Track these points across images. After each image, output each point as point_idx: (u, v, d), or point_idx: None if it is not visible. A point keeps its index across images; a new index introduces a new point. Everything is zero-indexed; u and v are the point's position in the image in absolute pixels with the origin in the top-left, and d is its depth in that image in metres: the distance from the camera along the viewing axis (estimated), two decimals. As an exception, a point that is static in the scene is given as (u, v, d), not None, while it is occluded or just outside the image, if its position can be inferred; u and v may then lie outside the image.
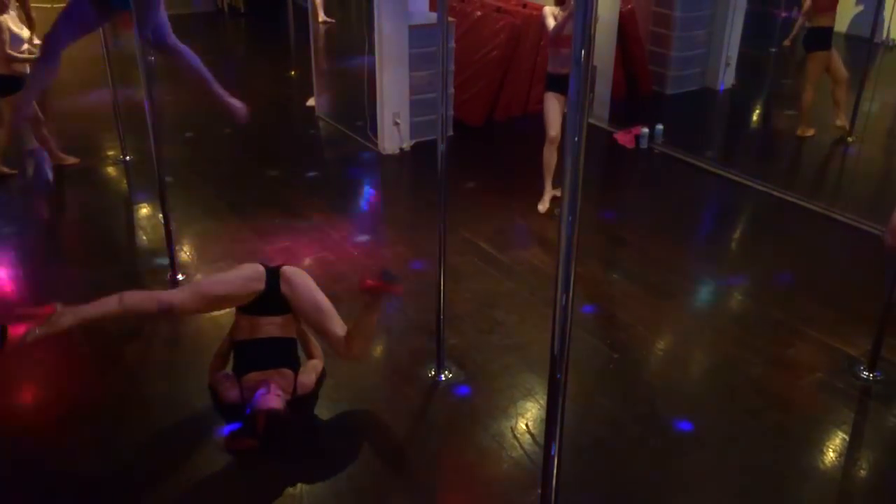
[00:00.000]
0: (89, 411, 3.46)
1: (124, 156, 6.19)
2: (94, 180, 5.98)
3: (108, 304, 3.19)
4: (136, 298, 3.32)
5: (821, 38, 6.27)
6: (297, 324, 3.48)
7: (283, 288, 3.36)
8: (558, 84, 5.13)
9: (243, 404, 3.26)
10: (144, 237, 5.04)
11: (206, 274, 4.51)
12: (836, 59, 6.36)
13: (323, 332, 3.37)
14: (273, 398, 3.18)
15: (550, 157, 5.29)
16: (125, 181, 6.03)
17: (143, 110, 4.15)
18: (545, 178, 5.36)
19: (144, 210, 5.40)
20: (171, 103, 7.46)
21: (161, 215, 4.49)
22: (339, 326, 3.32)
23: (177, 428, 3.35)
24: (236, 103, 4.96)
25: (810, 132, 6.57)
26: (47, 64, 4.72)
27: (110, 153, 6.35)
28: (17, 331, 2.75)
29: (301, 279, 3.42)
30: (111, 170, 6.17)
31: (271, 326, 3.37)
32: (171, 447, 3.24)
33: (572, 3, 4.97)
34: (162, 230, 4.53)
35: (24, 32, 5.75)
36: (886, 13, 6.73)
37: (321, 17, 9.94)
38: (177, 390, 3.57)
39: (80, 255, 4.82)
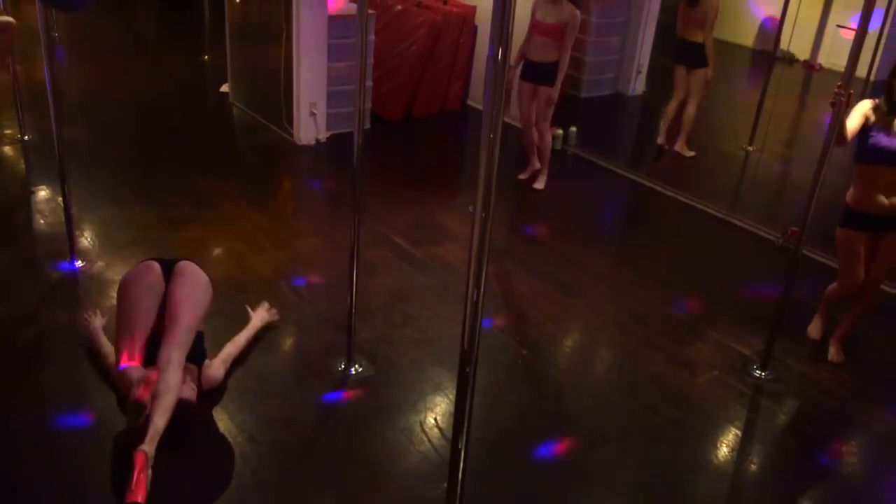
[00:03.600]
0: (-23, 403, 3.28)
1: (23, 135, 5.88)
2: (-12, 160, 5.68)
3: (168, 404, 2.99)
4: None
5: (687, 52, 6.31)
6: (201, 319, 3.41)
7: (173, 280, 3.33)
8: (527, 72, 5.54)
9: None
10: (42, 221, 4.81)
11: (108, 262, 4.35)
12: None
13: (165, 335, 3.20)
14: (188, 388, 3.12)
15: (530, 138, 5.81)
16: (23, 162, 5.74)
17: (45, 88, 3.96)
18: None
19: (43, 193, 5.15)
20: (76, 81, 7.14)
21: (61, 199, 4.30)
22: (175, 346, 3.15)
23: (71, 416, 3.22)
24: None
25: (689, 153, 6.61)
26: None
27: (7, 132, 6.02)
28: (139, 495, 2.73)
29: (189, 276, 3.38)
30: (8, 149, 5.86)
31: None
32: (62, 439, 3.12)
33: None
34: (62, 215, 4.33)
35: None
36: (786, 30, 7.04)
37: None
38: (73, 377, 3.43)
39: (-30, 238, 4.57)
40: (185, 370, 3.22)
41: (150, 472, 2.81)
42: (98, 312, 3.72)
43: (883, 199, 3.65)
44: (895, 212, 3.66)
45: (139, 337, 3.23)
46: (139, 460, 2.79)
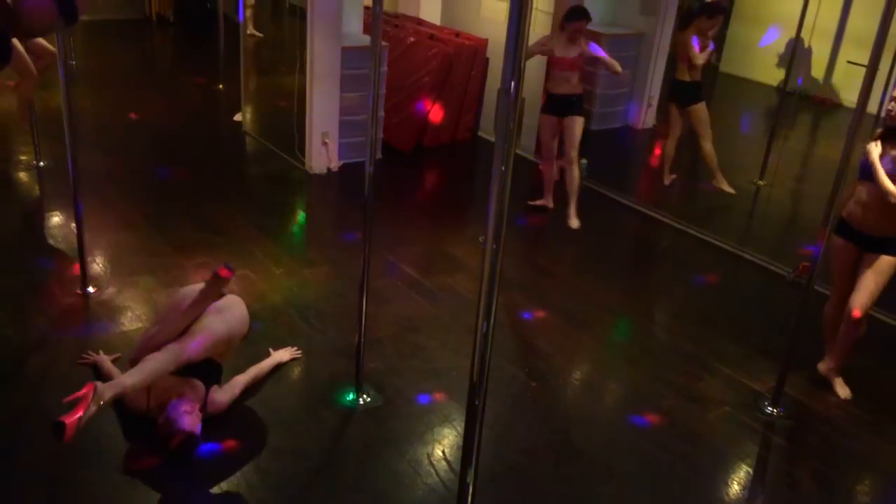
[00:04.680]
0: (-16, 428, 3.28)
1: (38, 161, 5.95)
2: (4, 187, 5.72)
3: (159, 369, 3.07)
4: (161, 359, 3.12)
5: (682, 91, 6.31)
6: (225, 347, 3.40)
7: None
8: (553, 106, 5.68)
9: (148, 411, 3.19)
10: (55, 247, 4.84)
11: (119, 288, 4.37)
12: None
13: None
14: (193, 419, 3.10)
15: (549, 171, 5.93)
16: (37, 188, 5.79)
17: (61, 115, 4.01)
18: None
19: (56, 219, 5.18)
20: (90, 109, 7.23)
21: (74, 225, 4.33)
22: (171, 349, 3.13)
23: (77, 449, 3.21)
24: None
25: (670, 178, 6.59)
26: None
27: (23, 158, 6.09)
28: (71, 420, 2.74)
29: (219, 308, 3.38)
30: (23, 175, 5.92)
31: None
32: (69, 467, 3.10)
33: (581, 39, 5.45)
34: (74, 240, 4.36)
35: None
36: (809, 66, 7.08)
37: (249, 29, 9.83)
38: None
39: (-17, 262, 4.59)
40: (190, 387, 3.24)
41: (93, 411, 2.80)
42: (100, 352, 3.72)
43: (871, 217, 3.74)
44: (881, 232, 3.74)
45: (152, 347, 3.21)
46: (87, 389, 2.79)
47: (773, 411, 3.79)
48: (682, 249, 5.68)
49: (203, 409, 3.26)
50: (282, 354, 3.85)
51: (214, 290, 3.28)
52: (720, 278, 5.30)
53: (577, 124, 5.62)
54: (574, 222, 5.74)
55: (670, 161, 6.59)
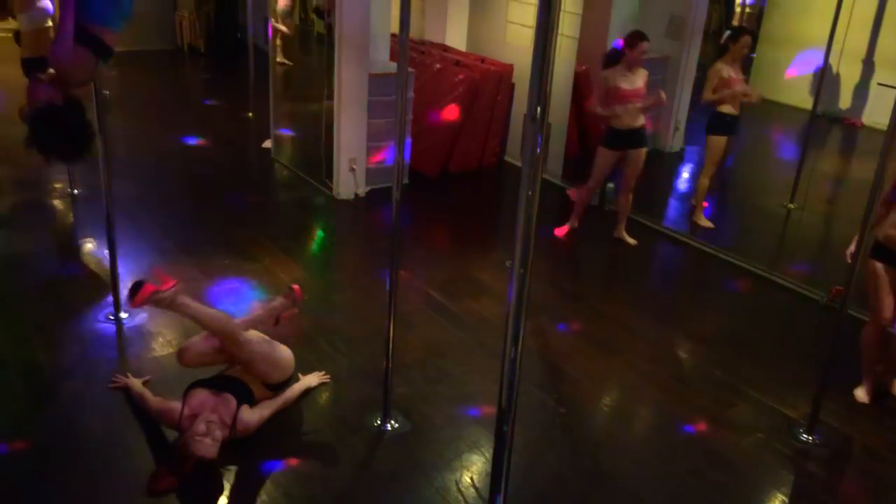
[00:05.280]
0: (21, 448, 3.32)
1: (72, 189, 6.06)
2: (39, 214, 5.84)
3: (209, 317, 3.44)
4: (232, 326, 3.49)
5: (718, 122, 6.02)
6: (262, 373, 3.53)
7: None
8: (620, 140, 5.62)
9: (180, 423, 3.23)
10: (88, 273, 4.92)
11: (150, 314, 4.41)
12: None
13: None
14: (207, 445, 3.11)
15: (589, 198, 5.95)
16: (72, 216, 5.90)
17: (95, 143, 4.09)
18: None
19: (90, 245, 5.27)
20: (124, 138, 7.36)
21: (107, 251, 4.40)
22: (229, 323, 3.51)
23: (107, 472, 3.24)
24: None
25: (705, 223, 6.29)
26: None
27: (58, 186, 6.21)
28: (150, 287, 3.26)
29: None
30: (58, 203, 6.04)
31: (245, 375, 3.52)
32: (99, 492, 3.12)
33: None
34: (107, 267, 4.42)
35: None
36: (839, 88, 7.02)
37: (279, 57, 9.98)
38: (111, 432, 3.46)
39: (20, 289, 4.67)
40: (223, 402, 3.28)
41: (165, 299, 3.30)
42: (129, 375, 3.76)
43: None
44: None
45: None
46: (174, 282, 3.33)
47: (808, 439, 3.72)
48: (711, 273, 5.62)
49: (233, 427, 3.28)
50: (311, 379, 3.86)
51: (287, 303, 3.91)
52: (751, 303, 5.23)
53: (644, 155, 5.67)
54: (631, 239, 5.84)
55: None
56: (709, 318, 4.97)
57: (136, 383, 3.67)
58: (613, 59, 5.50)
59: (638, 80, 5.47)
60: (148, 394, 3.54)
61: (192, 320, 3.50)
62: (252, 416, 3.40)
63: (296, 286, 3.95)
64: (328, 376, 3.92)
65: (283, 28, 9.19)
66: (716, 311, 5.09)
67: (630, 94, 5.47)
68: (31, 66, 5.69)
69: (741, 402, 4.02)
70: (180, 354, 3.57)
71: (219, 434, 3.18)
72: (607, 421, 3.92)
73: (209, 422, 3.18)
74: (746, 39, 5.87)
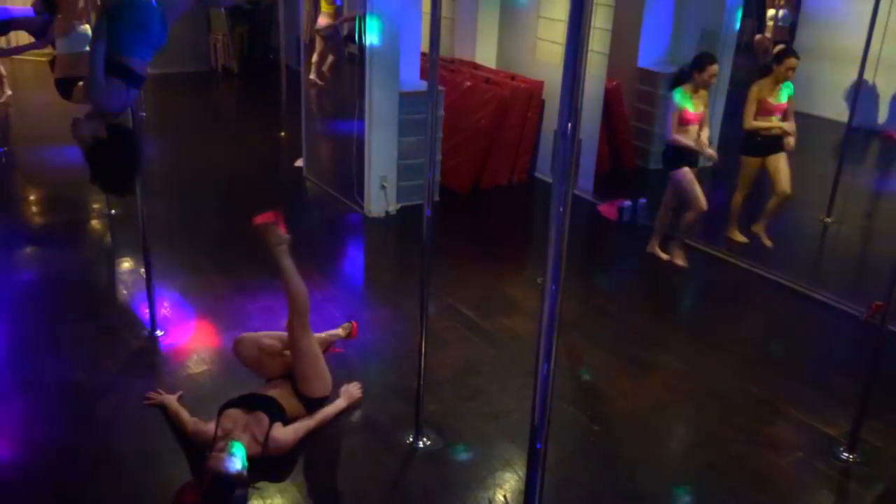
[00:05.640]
0: (59, 465, 3.36)
1: (109, 210, 6.18)
2: (77, 234, 5.96)
3: (298, 283, 3.65)
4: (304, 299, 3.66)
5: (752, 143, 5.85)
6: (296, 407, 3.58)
7: None
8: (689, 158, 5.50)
9: (215, 442, 3.25)
10: (125, 292, 4.99)
11: (186, 331, 4.47)
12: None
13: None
14: (230, 461, 3.12)
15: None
16: (109, 235, 6.01)
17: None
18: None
19: (126, 265, 5.36)
20: (159, 158, 7.49)
21: (143, 270, 4.46)
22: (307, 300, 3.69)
23: (143, 488, 3.27)
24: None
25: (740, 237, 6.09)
26: None
27: (95, 206, 6.34)
28: (270, 215, 3.72)
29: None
30: (95, 223, 6.16)
31: (275, 389, 3.58)
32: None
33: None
34: (143, 286, 4.49)
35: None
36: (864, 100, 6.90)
37: (311, 75, 10.10)
38: (149, 446, 3.49)
39: (58, 308, 4.76)
40: (255, 420, 3.31)
41: (279, 237, 3.65)
42: (161, 392, 3.80)
43: None
44: None
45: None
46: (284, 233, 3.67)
47: (848, 457, 3.63)
48: (746, 289, 5.54)
49: (264, 445, 3.30)
50: (352, 390, 3.87)
51: (342, 335, 4.18)
52: (788, 319, 5.14)
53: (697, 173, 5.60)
54: (664, 255, 5.81)
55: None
56: (745, 335, 4.89)
57: (171, 400, 3.71)
58: (682, 79, 5.40)
59: (701, 105, 5.41)
60: (184, 412, 3.58)
61: (283, 274, 3.64)
62: (286, 434, 3.40)
63: (355, 322, 4.21)
64: (361, 393, 3.92)
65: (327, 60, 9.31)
66: (752, 327, 5.01)
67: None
68: (66, 84, 5.85)
69: (780, 420, 3.94)
70: (237, 343, 3.71)
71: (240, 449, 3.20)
72: (642, 439, 3.87)
73: (251, 436, 3.21)
74: (792, 61, 5.62)
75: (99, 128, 3.37)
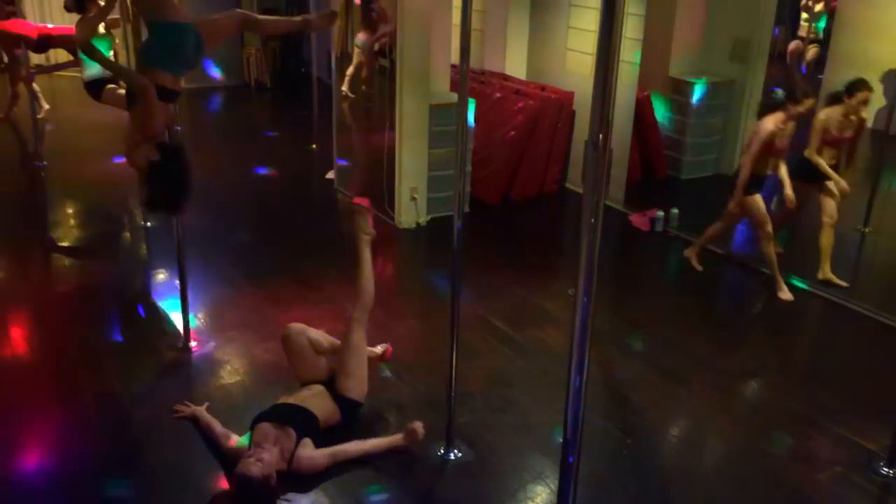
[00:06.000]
0: (95, 475, 3.41)
1: (145, 222, 6.28)
2: (114, 245, 6.06)
3: (371, 277, 3.90)
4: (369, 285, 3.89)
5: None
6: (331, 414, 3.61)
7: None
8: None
9: (250, 455, 3.26)
10: (160, 302, 5.06)
11: (219, 343, 4.51)
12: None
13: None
14: (255, 466, 3.14)
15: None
16: (144, 247, 6.10)
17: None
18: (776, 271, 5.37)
19: (161, 276, 5.44)
20: (194, 171, 7.59)
21: (178, 281, 4.53)
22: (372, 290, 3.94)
23: (179, 495, 3.30)
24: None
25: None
26: None
27: (131, 219, 6.44)
28: (366, 201, 3.98)
29: None
30: (131, 235, 6.26)
31: (312, 397, 3.60)
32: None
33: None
34: (177, 296, 4.55)
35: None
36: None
37: (344, 87, 10.20)
38: (183, 456, 3.53)
39: (94, 318, 4.84)
40: (285, 435, 3.32)
41: (369, 229, 3.88)
42: (189, 404, 3.82)
43: None
44: None
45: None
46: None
47: (888, 472, 3.55)
48: (781, 300, 5.45)
49: (290, 462, 3.31)
50: (417, 430, 3.57)
51: (378, 355, 4.17)
52: (825, 330, 5.05)
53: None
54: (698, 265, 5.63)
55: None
56: (781, 346, 4.81)
57: (201, 412, 3.74)
58: (779, 105, 5.17)
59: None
60: (216, 424, 3.61)
61: (360, 262, 3.88)
62: (313, 456, 3.36)
63: (390, 346, 4.22)
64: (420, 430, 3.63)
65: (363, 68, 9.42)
66: (788, 338, 4.93)
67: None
68: (94, 85, 6.03)
69: (817, 433, 3.87)
70: (287, 329, 3.81)
71: (265, 456, 3.20)
72: (676, 452, 3.82)
73: (260, 448, 3.24)
74: (865, 95, 5.18)
75: (151, 151, 3.46)
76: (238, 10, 4.02)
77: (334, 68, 7.99)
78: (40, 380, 4.17)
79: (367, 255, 3.86)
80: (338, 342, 3.92)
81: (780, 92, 5.26)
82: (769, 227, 5.30)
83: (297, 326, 3.85)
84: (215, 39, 3.65)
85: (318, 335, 3.91)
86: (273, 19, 4.01)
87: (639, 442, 3.79)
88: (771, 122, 5.12)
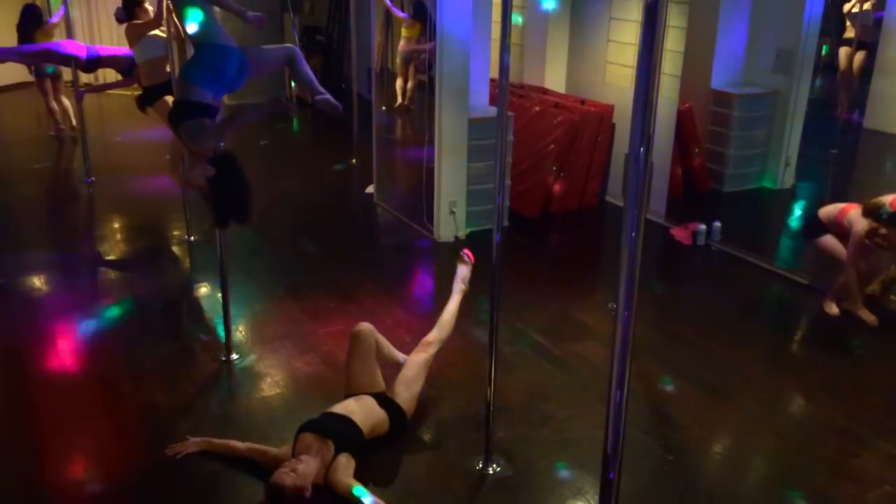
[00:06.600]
0: (137, 488, 3.47)
1: (189, 236, 6.39)
2: (158, 259, 6.18)
3: (455, 315, 4.18)
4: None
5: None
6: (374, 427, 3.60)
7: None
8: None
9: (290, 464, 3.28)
10: (203, 316, 5.14)
11: (260, 355, 4.56)
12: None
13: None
14: (288, 476, 3.14)
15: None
16: (188, 261, 6.21)
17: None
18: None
19: (204, 289, 5.52)
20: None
21: (220, 295, 4.59)
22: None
23: (221, 509, 3.33)
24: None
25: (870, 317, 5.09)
26: None
27: (176, 233, 6.57)
28: (469, 254, 4.30)
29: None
30: (176, 249, 6.37)
31: (360, 408, 3.58)
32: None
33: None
34: (220, 309, 4.61)
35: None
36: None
37: (398, 100, 10.34)
38: (223, 468, 3.56)
39: (139, 330, 4.94)
40: (325, 447, 3.32)
41: (467, 273, 4.23)
42: (188, 437, 3.71)
43: None
44: None
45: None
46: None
47: (943, 493, 3.44)
48: (828, 315, 5.32)
49: (326, 476, 3.32)
50: (463, 275, 4.34)
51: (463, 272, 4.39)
52: (873, 347, 4.92)
53: None
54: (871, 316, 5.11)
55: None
56: (827, 362, 4.70)
57: (200, 442, 3.64)
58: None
59: None
60: (233, 441, 3.60)
61: (451, 305, 4.17)
62: (338, 479, 3.29)
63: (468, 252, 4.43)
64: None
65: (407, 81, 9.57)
66: (834, 354, 4.81)
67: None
68: (150, 95, 6.20)
69: (866, 451, 3.77)
70: (359, 326, 3.89)
71: (300, 467, 3.20)
72: (719, 470, 3.75)
73: (298, 459, 3.25)
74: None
75: (206, 168, 3.54)
76: (290, 45, 4.11)
77: (373, 84, 8.07)
78: (86, 391, 4.25)
79: (457, 300, 4.19)
80: (397, 355, 4.06)
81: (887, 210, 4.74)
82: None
83: (367, 326, 3.91)
84: (261, 69, 3.75)
85: (385, 341, 4.01)
86: (307, 70, 4.06)
87: (681, 459, 3.73)
88: (865, 224, 4.79)
